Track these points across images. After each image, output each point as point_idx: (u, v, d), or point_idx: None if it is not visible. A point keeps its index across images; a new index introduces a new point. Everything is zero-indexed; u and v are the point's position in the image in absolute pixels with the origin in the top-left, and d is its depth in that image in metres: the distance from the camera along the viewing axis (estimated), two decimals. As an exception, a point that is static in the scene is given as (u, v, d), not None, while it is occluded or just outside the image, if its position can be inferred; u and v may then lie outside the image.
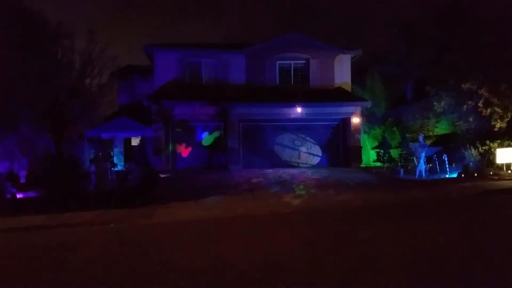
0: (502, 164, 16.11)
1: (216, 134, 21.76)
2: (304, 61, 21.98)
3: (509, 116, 17.26)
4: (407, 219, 9.47)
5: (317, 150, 21.98)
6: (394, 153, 20.31)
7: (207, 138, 21.78)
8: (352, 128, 21.27)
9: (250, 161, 20.92)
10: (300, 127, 21.91)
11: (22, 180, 16.10)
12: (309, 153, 21.90)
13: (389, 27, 27.75)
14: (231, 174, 18.35)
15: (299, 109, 20.69)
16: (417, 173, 16.51)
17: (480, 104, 17.19)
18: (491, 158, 16.32)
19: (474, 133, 18.17)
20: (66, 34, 16.64)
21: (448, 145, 18.87)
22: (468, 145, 16.93)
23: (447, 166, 16.25)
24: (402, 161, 17.84)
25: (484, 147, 16.85)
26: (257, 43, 21.85)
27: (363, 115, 22.50)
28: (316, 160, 21.89)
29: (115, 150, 20.02)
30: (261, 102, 20.77)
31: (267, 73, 21.58)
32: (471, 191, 12.95)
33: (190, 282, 5.51)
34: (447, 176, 15.78)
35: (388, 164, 19.25)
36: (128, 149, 21.67)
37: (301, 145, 21.88)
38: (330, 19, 57.53)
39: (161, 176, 17.61)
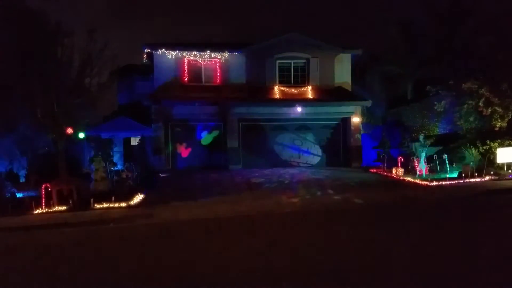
0: (503, 164, 16.07)
1: (215, 133, 21.73)
2: (304, 61, 21.92)
3: (510, 116, 17.21)
4: (406, 220, 9.44)
5: (317, 150, 21.95)
6: (395, 153, 20.25)
7: (206, 138, 21.73)
8: (352, 127, 21.26)
9: (250, 161, 20.88)
10: (300, 127, 21.87)
11: (22, 179, 16.08)
12: (309, 153, 21.87)
13: (390, 26, 27.74)
14: (231, 174, 18.32)
15: (299, 109, 20.66)
16: (418, 173, 16.46)
17: (480, 104, 17.15)
18: (491, 158, 16.27)
19: (475, 133, 18.13)
20: (65, 33, 16.56)
21: (448, 145, 18.83)
22: (468, 145, 16.89)
23: (447, 165, 16.20)
24: (402, 160, 17.77)
25: (484, 147, 16.81)
26: (257, 43, 21.79)
27: (363, 114, 22.47)
28: (316, 160, 21.86)
29: (115, 149, 19.97)
30: (261, 102, 20.74)
31: (267, 73, 21.52)
32: (472, 191, 12.91)
33: (191, 282, 5.48)
34: (447, 175, 15.73)
35: (388, 164, 19.20)
36: (128, 149, 21.64)
37: (301, 145, 21.84)
38: (330, 18, 57.51)
39: (161, 175, 17.59)
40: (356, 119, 21.29)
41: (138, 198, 12.72)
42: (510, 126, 17.35)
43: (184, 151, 21.59)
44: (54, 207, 11.73)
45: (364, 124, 23.28)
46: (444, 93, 18.90)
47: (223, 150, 21.09)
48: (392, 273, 5.48)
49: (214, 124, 21.55)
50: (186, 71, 21.48)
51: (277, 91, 21.24)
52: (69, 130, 16.93)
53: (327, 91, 21.22)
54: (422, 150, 17.09)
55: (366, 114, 23.66)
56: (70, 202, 11.91)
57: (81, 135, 19.46)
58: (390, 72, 26.65)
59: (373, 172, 18.56)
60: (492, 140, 16.77)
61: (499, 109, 17.01)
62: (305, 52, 21.75)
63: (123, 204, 11.90)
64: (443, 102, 18.91)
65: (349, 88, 22.18)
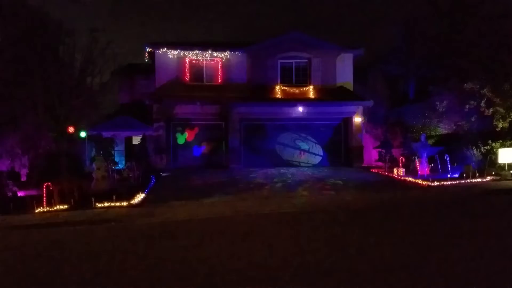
0: (504, 164, 16.03)
1: (217, 133, 21.72)
2: (306, 60, 21.91)
3: (511, 116, 17.18)
4: (407, 220, 9.43)
5: (319, 150, 21.93)
6: (396, 153, 20.24)
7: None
8: (353, 127, 21.24)
9: (251, 161, 20.87)
10: (302, 127, 21.85)
11: (23, 178, 16.13)
12: (311, 153, 21.85)
13: (391, 26, 27.71)
14: (232, 174, 18.32)
15: (300, 109, 20.67)
16: (419, 173, 16.45)
17: (482, 104, 17.13)
18: (493, 158, 16.25)
19: (476, 133, 18.10)
20: (67, 32, 16.62)
21: (450, 145, 18.80)
22: (470, 145, 16.86)
23: (449, 166, 16.19)
24: (404, 160, 17.80)
25: (486, 147, 16.78)
26: (259, 42, 21.79)
27: (364, 114, 22.43)
28: (317, 160, 21.84)
29: (116, 148, 20.01)
30: (263, 101, 20.74)
31: (269, 72, 21.51)
32: (473, 191, 12.88)
33: (190, 283, 5.48)
34: (448, 176, 15.71)
35: (389, 164, 19.19)
36: (129, 148, 21.65)
37: (303, 145, 21.84)
38: (332, 18, 57.47)
39: (162, 175, 17.61)
40: (357, 119, 21.27)
41: (139, 197, 12.74)
42: (511, 127, 17.32)
43: (185, 150, 21.60)
44: (55, 206, 11.77)
45: (366, 124, 23.27)
46: (445, 93, 18.87)
47: (224, 150, 21.10)
48: (392, 273, 5.48)
49: (215, 123, 21.54)
50: (187, 71, 21.50)
51: (278, 90, 21.25)
52: (71, 129, 17.01)
53: (329, 91, 21.21)
54: (424, 150, 17.07)
55: (367, 114, 23.62)
56: (72, 201, 11.95)
57: (83, 134, 19.53)
58: (392, 72, 26.62)
59: (375, 172, 18.55)
60: (494, 141, 16.75)
61: (500, 110, 16.97)
62: (307, 52, 21.74)
63: (124, 203, 11.93)
64: (444, 102, 18.89)
65: (351, 88, 22.17)
